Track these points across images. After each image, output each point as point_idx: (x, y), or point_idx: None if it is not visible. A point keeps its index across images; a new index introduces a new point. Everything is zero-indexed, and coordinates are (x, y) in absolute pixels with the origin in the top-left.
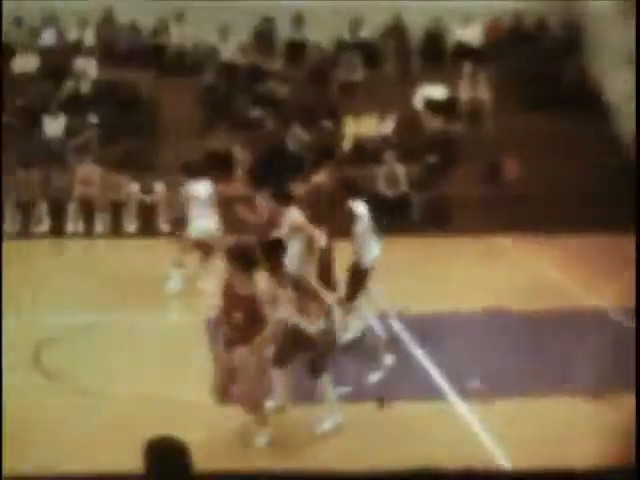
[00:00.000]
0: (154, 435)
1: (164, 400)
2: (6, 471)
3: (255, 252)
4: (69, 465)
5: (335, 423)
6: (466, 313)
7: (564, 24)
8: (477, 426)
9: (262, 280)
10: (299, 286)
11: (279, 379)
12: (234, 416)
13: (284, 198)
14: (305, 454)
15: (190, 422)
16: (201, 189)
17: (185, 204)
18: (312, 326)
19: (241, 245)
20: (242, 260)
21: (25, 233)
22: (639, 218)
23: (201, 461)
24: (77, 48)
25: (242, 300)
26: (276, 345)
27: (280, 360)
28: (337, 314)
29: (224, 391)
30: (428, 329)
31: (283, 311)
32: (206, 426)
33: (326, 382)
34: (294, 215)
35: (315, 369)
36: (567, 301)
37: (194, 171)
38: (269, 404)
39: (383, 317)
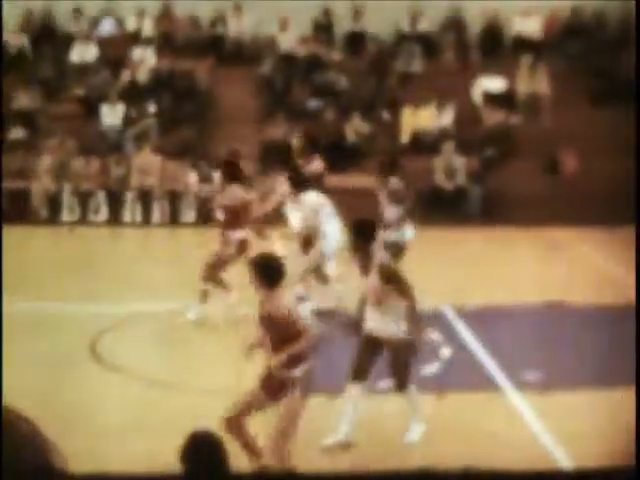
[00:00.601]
0: (194, 430)
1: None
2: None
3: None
4: (127, 457)
5: (422, 432)
6: (524, 306)
7: (621, 19)
8: (533, 419)
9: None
10: (389, 276)
11: (352, 398)
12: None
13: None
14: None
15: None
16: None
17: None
18: (390, 329)
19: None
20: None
21: (83, 221)
22: None
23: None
24: (135, 38)
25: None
26: (354, 355)
27: (357, 372)
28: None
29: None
30: (486, 322)
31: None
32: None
33: (413, 392)
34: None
35: (401, 382)
36: (626, 295)
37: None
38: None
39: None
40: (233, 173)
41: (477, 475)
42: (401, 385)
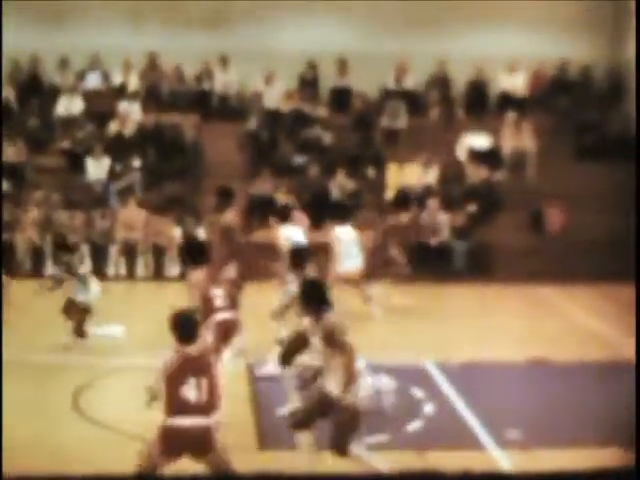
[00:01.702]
0: None
1: None
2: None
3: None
4: None
5: None
6: (507, 363)
7: (609, 72)
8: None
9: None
10: (331, 339)
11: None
12: None
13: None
14: None
15: None
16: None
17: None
18: (340, 392)
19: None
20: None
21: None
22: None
23: None
24: (121, 91)
25: None
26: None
27: (299, 424)
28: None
29: None
30: (469, 379)
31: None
32: None
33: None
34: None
35: (340, 446)
36: (611, 352)
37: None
38: None
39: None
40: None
41: (477, 477)
42: (338, 449)
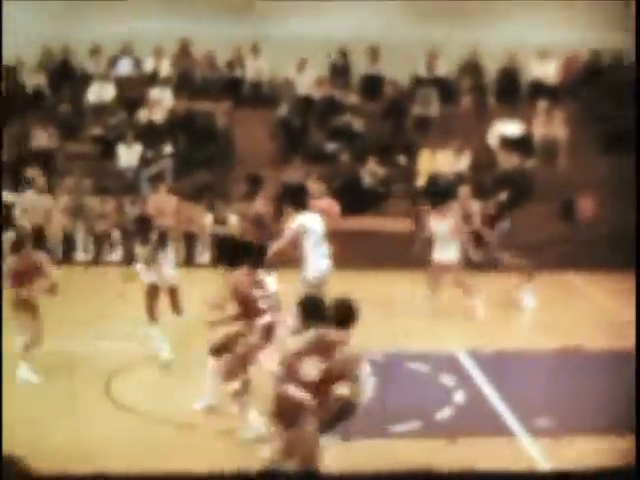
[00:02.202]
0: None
1: None
2: None
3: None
4: None
5: None
6: (538, 351)
7: None
8: (545, 465)
9: None
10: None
11: None
12: None
13: None
14: None
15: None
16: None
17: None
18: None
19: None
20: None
21: (98, 261)
22: None
23: None
24: (153, 78)
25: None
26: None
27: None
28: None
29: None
30: (500, 367)
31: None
32: None
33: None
34: None
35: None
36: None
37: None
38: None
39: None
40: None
41: (477, 476)
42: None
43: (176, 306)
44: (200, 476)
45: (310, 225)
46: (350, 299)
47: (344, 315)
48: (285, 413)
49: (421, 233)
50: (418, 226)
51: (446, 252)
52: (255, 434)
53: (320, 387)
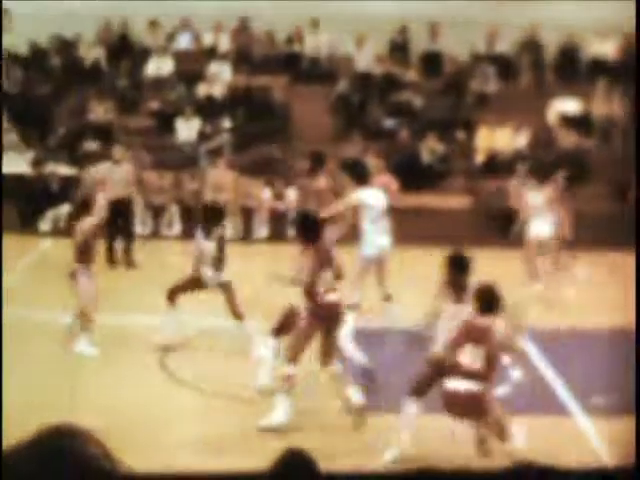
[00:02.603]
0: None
1: None
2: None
3: None
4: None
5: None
6: (594, 329)
7: None
8: (600, 444)
9: None
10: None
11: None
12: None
13: None
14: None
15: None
16: (375, 198)
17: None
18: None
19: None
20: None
21: (156, 235)
22: None
23: None
24: (211, 53)
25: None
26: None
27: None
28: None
29: None
30: (557, 345)
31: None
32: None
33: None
34: None
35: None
36: None
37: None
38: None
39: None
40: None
41: (477, 474)
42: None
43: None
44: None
45: (369, 200)
46: (493, 285)
47: (489, 300)
48: (461, 407)
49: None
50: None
51: (542, 227)
52: (274, 423)
53: (486, 373)
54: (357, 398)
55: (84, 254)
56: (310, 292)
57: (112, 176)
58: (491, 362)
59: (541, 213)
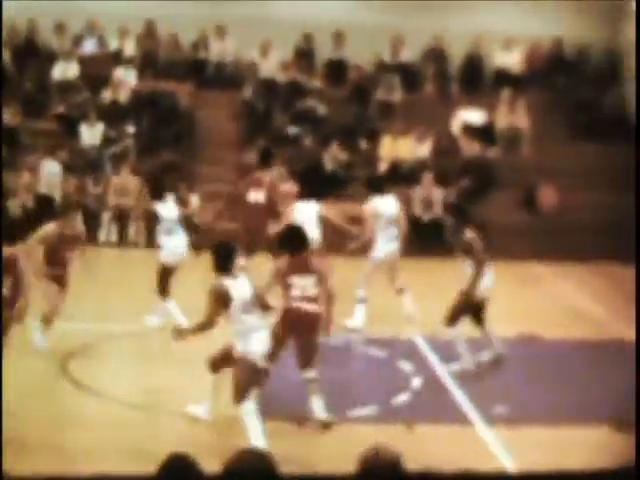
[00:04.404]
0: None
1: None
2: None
3: None
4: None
5: None
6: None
7: (605, 51)
8: (501, 452)
9: None
10: None
11: None
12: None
13: None
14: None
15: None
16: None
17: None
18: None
19: None
20: None
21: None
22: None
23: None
24: (117, 57)
25: None
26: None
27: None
28: None
29: None
30: (457, 353)
31: None
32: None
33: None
34: None
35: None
36: (601, 331)
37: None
38: None
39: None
40: None
41: (473, 477)
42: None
43: None
44: None
45: (381, 208)
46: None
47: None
48: None
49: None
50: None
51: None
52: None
53: None
54: (320, 411)
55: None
56: (283, 294)
57: None
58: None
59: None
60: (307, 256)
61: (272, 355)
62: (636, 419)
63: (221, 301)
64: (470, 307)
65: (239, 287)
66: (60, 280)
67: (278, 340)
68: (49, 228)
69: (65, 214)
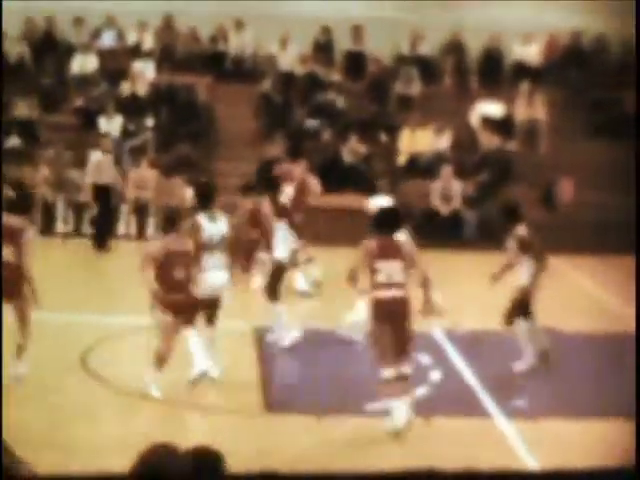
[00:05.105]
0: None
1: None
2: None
3: None
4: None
5: None
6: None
7: (623, 44)
8: (521, 446)
9: None
10: None
11: None
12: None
13: None
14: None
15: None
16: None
17: None
18: None
19: None
20: None
21: (78, 233)
22: None
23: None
24: (136, 51)
25: None
26: None
27: None
28: None
29: None
30: (477, 347)
31: None
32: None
33: None
34: None
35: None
36: (617, 324)
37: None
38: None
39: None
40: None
41: (478, 475)
42: None
43: None
44: None
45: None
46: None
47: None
48: None
49: None
50: None
51: None
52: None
53: None
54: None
55: None
56: (370, 279)
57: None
58: None
59: None
60: (396, 239)
61: (385, 355)
62: (636, 418)
63: (194, 233)
64: (527, 304)
65: (211, 226)
66: (179, 309)
67: (375, 335)
68: (154, 246)
69: (173, 227)
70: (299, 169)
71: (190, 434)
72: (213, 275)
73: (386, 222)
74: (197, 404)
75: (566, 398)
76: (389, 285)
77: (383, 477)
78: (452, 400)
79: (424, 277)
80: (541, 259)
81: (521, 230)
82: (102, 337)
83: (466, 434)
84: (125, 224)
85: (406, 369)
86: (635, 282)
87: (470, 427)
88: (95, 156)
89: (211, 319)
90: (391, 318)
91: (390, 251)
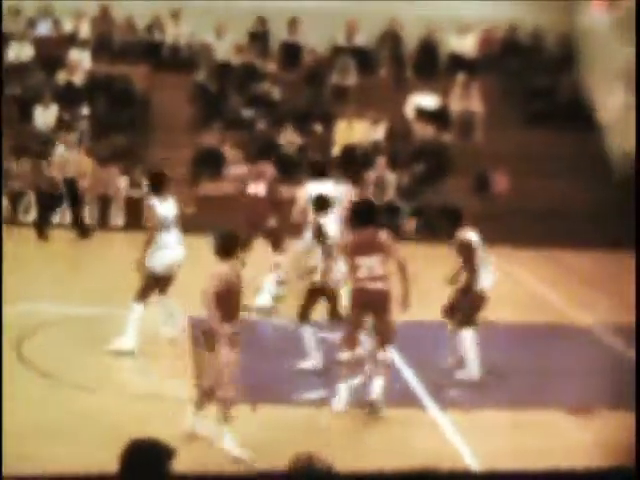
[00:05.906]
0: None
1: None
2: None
3: None
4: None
5: None
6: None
7: (559, 37)
8: (455, 436)
9: None
10: None
11: None
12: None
13: None
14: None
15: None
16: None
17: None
18: None
19: None
20: None
21: (13, 221)
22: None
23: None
24: (72, 40)
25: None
26: None
27: None
28: None
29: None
30: (410, 337)
31: None
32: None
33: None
34: None
35: None
36: (553, 316)
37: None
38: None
39: None
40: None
41: (474, 475)
42: None
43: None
44: None
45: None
46: None
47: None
48: None
49: None
50: None
51: None
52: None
53: None
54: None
55: None
56: (350, 275)
57: None
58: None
59: None
60: (373, 232)
61: (350, 340)
62: (636, 418)
63: (149, 215)
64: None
65: (164, 207)
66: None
67: (354, 323)
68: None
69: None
70: (270, 169)
71: (114, 418)
72: (171, 252)
73: (361, 215)
74: (128, 392)
75: (502, 389)
76: (371, 279)
77: (378, 477)
78: (387, 391)
79: (401, 268)
80: (476, 265)
81: (463, 234)
82: (37, 326)
83: (400, 423)
84: (60, 213)
85: (385, 356)
86: (635, 281)
87: (405, 417)
88: (59, 150)
89: (164, 290)
90: (370, 308)
91: (369, 245)
